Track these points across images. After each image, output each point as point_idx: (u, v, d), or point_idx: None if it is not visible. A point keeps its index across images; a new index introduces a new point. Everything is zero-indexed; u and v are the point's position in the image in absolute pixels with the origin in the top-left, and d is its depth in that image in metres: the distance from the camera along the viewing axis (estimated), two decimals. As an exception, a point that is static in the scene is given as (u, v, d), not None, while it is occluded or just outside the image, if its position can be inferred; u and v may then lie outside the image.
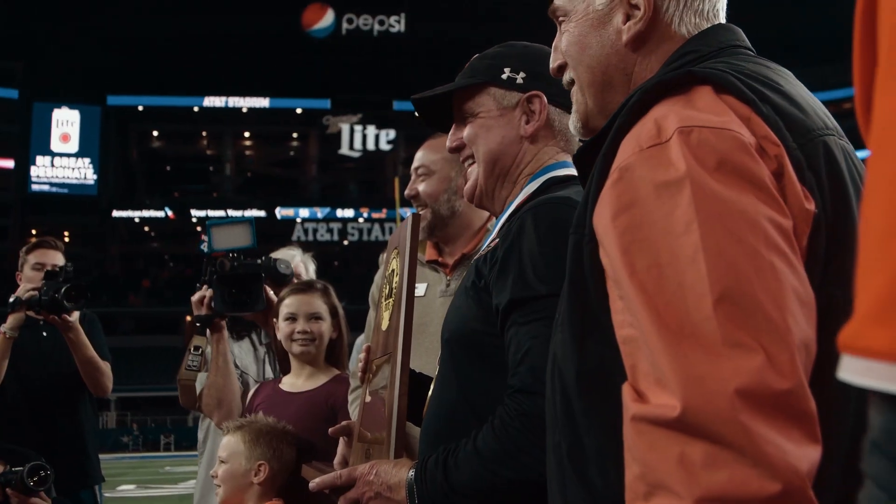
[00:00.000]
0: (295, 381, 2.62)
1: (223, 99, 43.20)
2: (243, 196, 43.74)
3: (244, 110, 43.99)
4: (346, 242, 42.99)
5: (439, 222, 2.26)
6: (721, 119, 0.94)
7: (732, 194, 0.89)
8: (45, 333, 3.66)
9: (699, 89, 1.00)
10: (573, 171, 1.58)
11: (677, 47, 1.17)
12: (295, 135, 46.23)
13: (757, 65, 1.10)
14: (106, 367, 3.64)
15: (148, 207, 42.64)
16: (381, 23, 41.96)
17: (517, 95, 1.71)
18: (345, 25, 40.77)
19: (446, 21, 40.20)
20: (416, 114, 1.88)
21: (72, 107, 40.26)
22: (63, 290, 3.33)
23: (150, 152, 45.80)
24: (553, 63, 1.32)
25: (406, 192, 2.35)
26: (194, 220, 41.55)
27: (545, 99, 1.69)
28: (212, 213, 40.83)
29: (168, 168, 45.61)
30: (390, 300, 1.91)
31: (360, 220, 42.95)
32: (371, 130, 42.27)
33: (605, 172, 1.00)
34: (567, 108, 1.50)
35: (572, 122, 1.32)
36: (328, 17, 34.19)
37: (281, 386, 2.65)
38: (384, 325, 1.92)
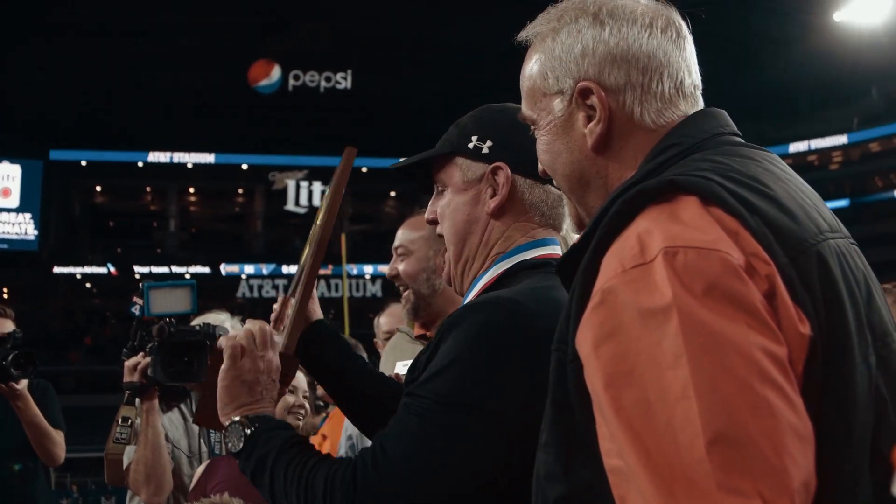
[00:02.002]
0: None
1: (168, 154, 42.88)
2: (187, 252, 43.20)
3: (189, 166, 43.68)
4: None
5: (422, 302, 2.21)
6: (708, 237, 0.90)
7: (722, 323, 0.84)
8: (-7, 402, 3.49)
9: (683, 199, 0.96)
10: (548, 250, 1.56)
11: (650, 138, 1.14)
12: (240, 190, 45.96)
13: (743, 159, 1.06)
14: (58, 436, 3.55)
15: (90, 263, 41.86)
16: (328, 79, 42.22)
17: (482, 167, 1.59)
18: (291, 82, 40.97)
19: (392, 78, 40.59)
20: (405, 178, 1.79)
21: (13, 161, 39.63)
22: (10, 357, 3.23)
23: (92, 207, 45.20)
24: (538, 167, 1.29)
25: (387, 272, 2.29)
26: (137, 276, 40.80)
27: (509, 171, 1.57)
28: (155, 269, 40.24)
29: (111, 223, 45.03)
30: (308, 240, 1.88)
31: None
32: (317, 186, 42.21)
33: (587, 290, 0.96)
34: (540, 178, 1.45)
35: (566, 226, 1.32)
36: (275, 74, 34.14)
37: None
38: (301, 258, 1.89)
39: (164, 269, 39.93)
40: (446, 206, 1.63)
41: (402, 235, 2.26)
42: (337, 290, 38.84)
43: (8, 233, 39.67)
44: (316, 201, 42.78)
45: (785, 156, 38.19)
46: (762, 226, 0.93)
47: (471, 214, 1.60)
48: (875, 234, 32.81)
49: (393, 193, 44.74)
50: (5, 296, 38.72)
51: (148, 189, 45.12)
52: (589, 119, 1.15)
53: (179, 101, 40.17)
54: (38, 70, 38.23)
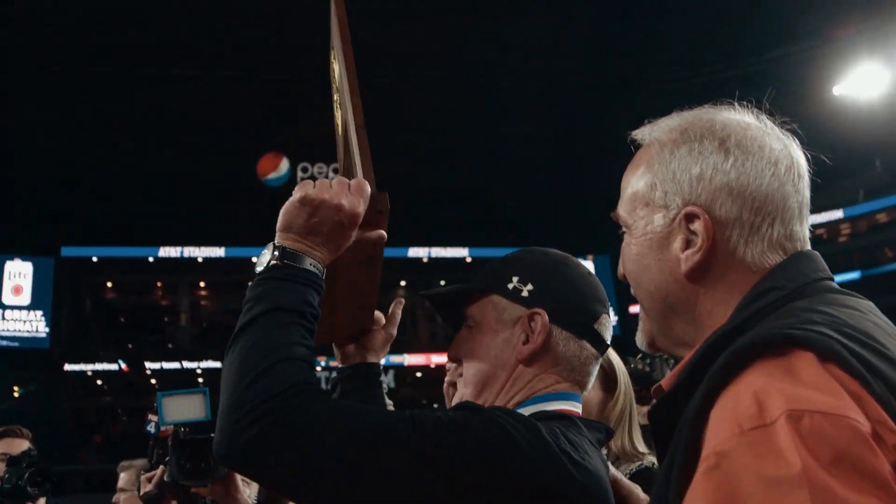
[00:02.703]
0: None
1: (178, 249, 43.14)
2: (199, 347, 43.06)
3: (199, 260, 43.88)
4: (303, 390, 42.13)
5: None
6: (834, 401, 0.84)
7: (854, 497, 0.78)
8: (10, 524, 3.38)
9: (799, 355, 0.90)
10: (569, 406, 1.49)
11: (749, 277, 1.09)
12: (251, 284, 45.81)
13: (849, 310, 1.02)
14: None
15: (101, 360, 41.71)
16: (336, 171, 42.49)
17: (520, 310, 1.54)
18: (300, 174, 41.46)
19: (400, 168, 41.07)
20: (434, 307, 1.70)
21: (25, 258, 39.93)
22: (26, 475, 3.18)
23: (103, 304, 45.26)
24: (619, 268, 1.25)
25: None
26: (148, 371, 40.77)
27: (547, 318, 1.51)
28: (167, 364, 40.13)
29: (122, 319, 45.02)
30: (338, 104, 1.79)
31: (318, 368, 42.41)
32: (326, 277, 42.32)
33: (693, 450, 0.90)
34: (577, 332, 1.43)
35: (638, 339, 1.23)
36: (283, 166, 34.49)
37: None
38: (339, 129, 1.81)
39: (175, 365, 39.79)
40: (473, 343, 1.56)
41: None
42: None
43: (19, 331, 39.67)
44: (326, 291, 42.63)
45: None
46: (885, 391, 0.87)
47: (499, 357, 1.53)
48: (888, 304, 32.52)
49: (403, 283, 44.86)
50: (15, 394, 38.50)
51: (159, 284, 45.25)
52: (688, 244, 1.12)
53: (189, 196, 40.60)
54: (51, 166, 38.76)
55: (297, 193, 1.49)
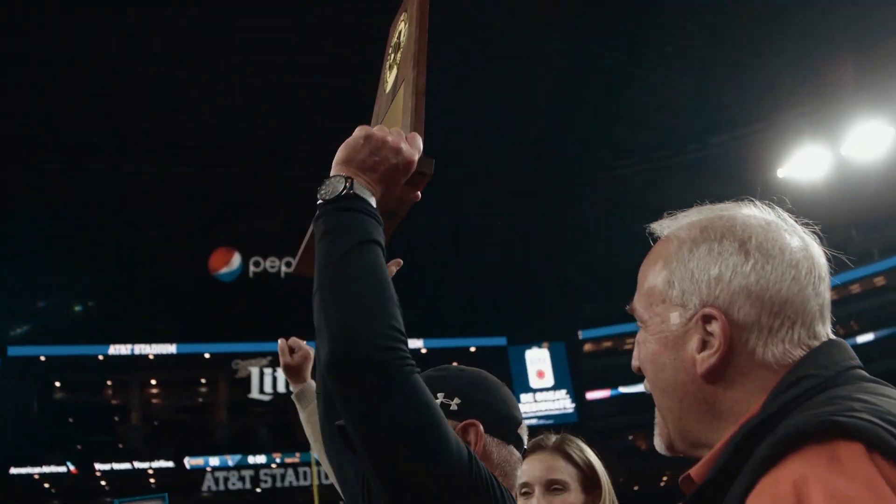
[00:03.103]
0: None
1: (129, 346, 42.44)
2: (150, 446, 42.11)
3: (150, 357, 43.21)
4: (258, 490, 41.21)
5: None
6: (876, 496, 0.83)
7: None
8: None
9: (844, 445, 0.88)
10: None
11: (772, 374, 1.08)
12: (203, 380, 45.28)
13: (887, 399, 1.00)
14: None
15: (48, 463, 40.52)
16: (288, 265, 42.60)
17: (452, 423, 1.51)
18: (252, 269, 41.23)
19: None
20: None
21: (-34, 360, 39.01)
22: None
23: (51, 404, 44.13)
24: (633, 362, 1.23)
25: None
26: (98, 473, 39.65)
27: (482, 428, 1.56)
28: (117, 465, 39.09)
29: (70, 420, 43.91)
30: (394, 62, 1.82)
31: (273, 465, 41.60)
32: (281, 373, 41.86)
33: None
34: (506, 439, 1.48)
35: (656, 443, 1.21)
36: (235, 261, 34.38)
37: None
38: (387, 85, 1.83)
39: (126, 466, 38.79)
40: None
41: None
42: (306, 477, 37.91)
43: (-40, 439, 38.54)
44: (281, 388, 42.37)
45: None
46: None
47: None
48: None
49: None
50: (-42, 504, 37.20)
51: (109, 383, 44.34)
52: (704, 345, 1.11)
53: (139, 292, 40.11)
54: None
55: (360, 131, 1.52)
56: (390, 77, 1.89)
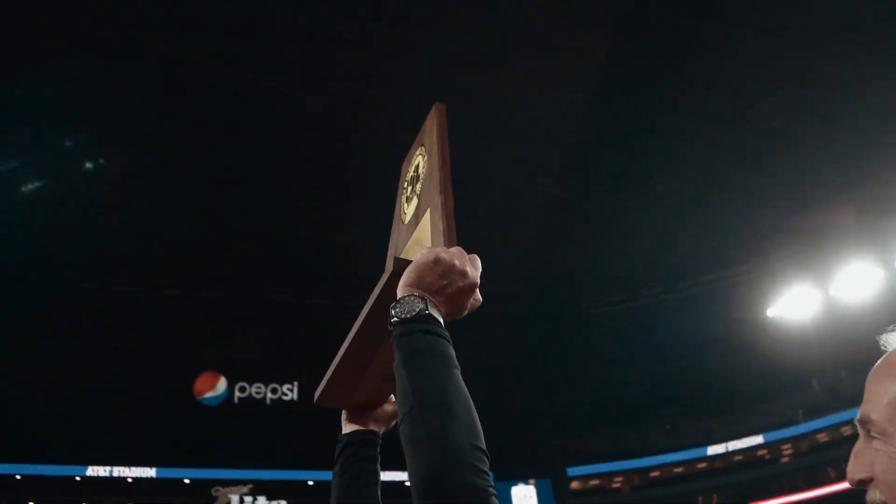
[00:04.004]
0: None
1: (108, 469, 41.52)
2: (124, 574, 40.85)
3: (129, 480, 42.21)
4: None
5: None
6: None
7: None
8: None
9: None
10: None
11: None
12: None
13: None
14: None
15: (17, 590, 39.17)
16: (274, 391, 42.22)
17: None
18: (237, 394, 40.80)
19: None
20: None
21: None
22: None
23: (24, 527, 42.95)
24: (853, 474, 1.18)
25: None
26: None
27: None
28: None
29: (43, 544, 42.64)
30: (413, 193, 1.82)
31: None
32: (262, 501, 40.99)
33: None
34: None
35: None
36: (221, 386, 34.06)
37: None
38: (406, 217, 1.83)
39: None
40: None
41: None
42: None
43: (-73, 559, 37.28)
44: (260, 516, 41.39)
45: (735, 452, 38.20)
46: None
47: None
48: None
49: None
50: None
51: (85, 505, 43.21)
52: None
53: (120, 413, 39.51)
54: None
55: (431, 253, 1.53)
56: (409, 208, 1.94)
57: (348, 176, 25.61)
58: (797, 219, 33.71)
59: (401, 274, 1.57)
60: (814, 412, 39.32)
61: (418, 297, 1.50)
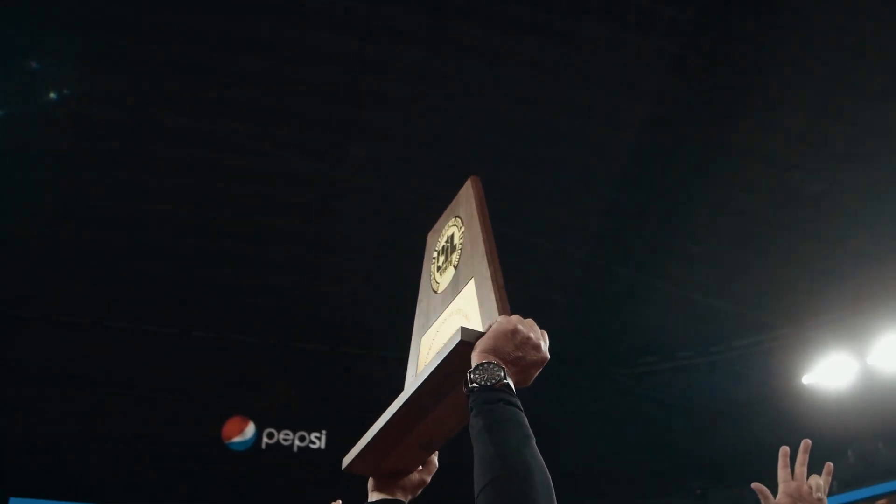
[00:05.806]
0: None
1: (134, 511, 41.64)
2: None
3: (156, 524, 42.30)
4: None
5: None
6: None
7: None
8: None
9: None
10: None
11: None
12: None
13: None
14: None
15: None
16: (302, 439, 42.15)
17: None
18: (265, 440, 40.80)
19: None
20: None
21: (-33, 517, 38.23)
22: None
23: (49, 564, 43.08)
24: None
25: None
26: None
27: None
28: None
29: (63, 582, 42.70)
30: (448, 263, 1.87)
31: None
32: (285, 551, 40.89)
33: None
34: None
35: None
36: (249, 431, 33.95)
37: None
38: (438, 286, 1.88)
39: None
40: None
41: None
42: None
43: None
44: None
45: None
46: None
47: None
48: None
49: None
50: None
51: (107, 547, 43.27)
52: None
53: (148, 453, 39.58)
54: (5, 417, 37.91)
55: (509, 322, 1.55)
56: (441, 278, 1.93)
57: (383, 235, 25.74)
58: (835, 286, 33.31)
59: (469, 342, 1.56)
60: (848, 483, 38.48)
61: (497, 365, 1.50)
